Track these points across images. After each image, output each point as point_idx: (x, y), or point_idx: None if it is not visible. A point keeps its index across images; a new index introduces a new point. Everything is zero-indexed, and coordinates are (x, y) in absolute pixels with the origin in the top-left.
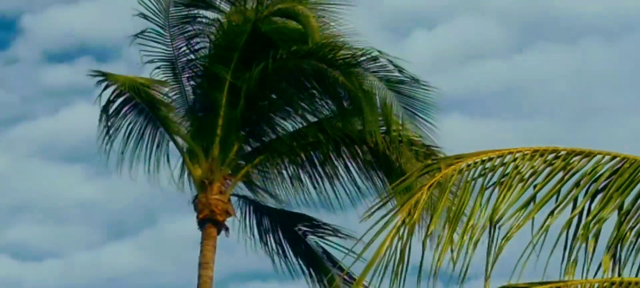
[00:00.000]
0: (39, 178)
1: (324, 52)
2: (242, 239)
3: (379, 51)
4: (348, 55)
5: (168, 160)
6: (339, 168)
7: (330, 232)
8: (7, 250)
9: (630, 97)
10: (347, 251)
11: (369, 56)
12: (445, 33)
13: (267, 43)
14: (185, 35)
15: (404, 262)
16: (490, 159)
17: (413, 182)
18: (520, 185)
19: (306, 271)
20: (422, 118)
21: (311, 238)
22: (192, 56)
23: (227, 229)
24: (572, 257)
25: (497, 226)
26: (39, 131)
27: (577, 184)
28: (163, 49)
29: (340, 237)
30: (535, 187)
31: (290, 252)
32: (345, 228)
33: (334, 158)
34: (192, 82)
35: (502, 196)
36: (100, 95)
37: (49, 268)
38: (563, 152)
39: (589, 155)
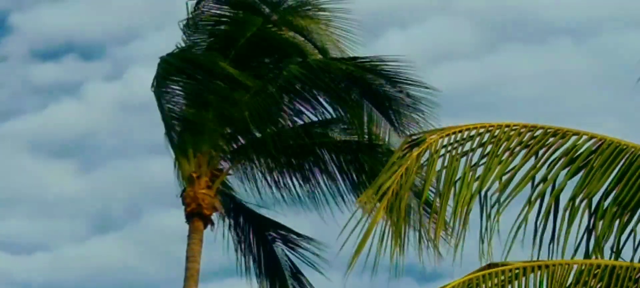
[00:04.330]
0: (28, 173)
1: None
2: (221, 236)
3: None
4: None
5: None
6: (322, 174)
7: (300, 243)
8: None
9: (600, 98)
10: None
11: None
12: (418, 33)
13: (267, 48)
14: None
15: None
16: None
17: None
18: (500, 165)
19: (263, 276)
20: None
21: (278, 246)
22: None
23: (212, 224)
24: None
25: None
26: (27, 127)
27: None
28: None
29: (311, 246)
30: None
31: (257, 255)
32: (317, 241)
33: (319, 164)
34: (187, 75)
35: (487, 168)
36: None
37: (39, 262)
38: (540, 132)
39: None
